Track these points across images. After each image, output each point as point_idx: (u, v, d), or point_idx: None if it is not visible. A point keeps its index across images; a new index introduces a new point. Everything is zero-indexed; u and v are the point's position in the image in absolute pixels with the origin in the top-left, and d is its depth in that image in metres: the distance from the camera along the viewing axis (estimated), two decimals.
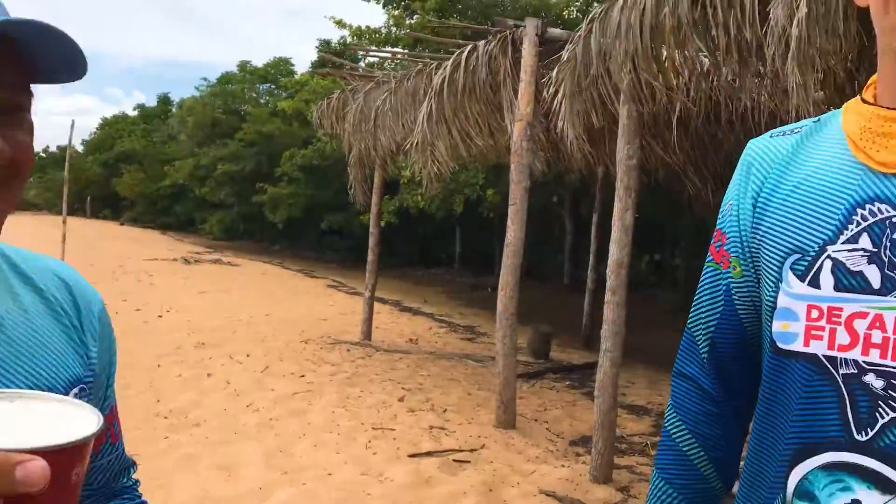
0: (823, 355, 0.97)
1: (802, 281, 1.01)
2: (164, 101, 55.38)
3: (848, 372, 0.95)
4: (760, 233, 1.09)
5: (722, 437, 1.18)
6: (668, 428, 1.22)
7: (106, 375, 0.99)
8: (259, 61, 48.93)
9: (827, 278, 0.99)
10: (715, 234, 1.20)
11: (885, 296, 0.95)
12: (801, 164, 1.09)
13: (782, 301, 1.03)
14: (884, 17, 0.97)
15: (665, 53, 4.71)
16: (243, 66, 37.04)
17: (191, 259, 21.62)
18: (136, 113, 58.13)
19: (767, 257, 1.07)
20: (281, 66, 35.96)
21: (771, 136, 1.17)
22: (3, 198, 0.79)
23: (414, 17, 16.74)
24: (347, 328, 10.72)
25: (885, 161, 1.00)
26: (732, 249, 1.15)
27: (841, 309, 0.97)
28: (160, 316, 10.90)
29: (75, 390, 0.87)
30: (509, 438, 5.77)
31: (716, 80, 5.53)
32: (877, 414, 0.93)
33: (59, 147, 72.10)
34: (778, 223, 1.07)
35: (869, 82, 1.11)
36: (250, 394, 6.68)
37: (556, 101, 4.86)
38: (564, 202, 18.45)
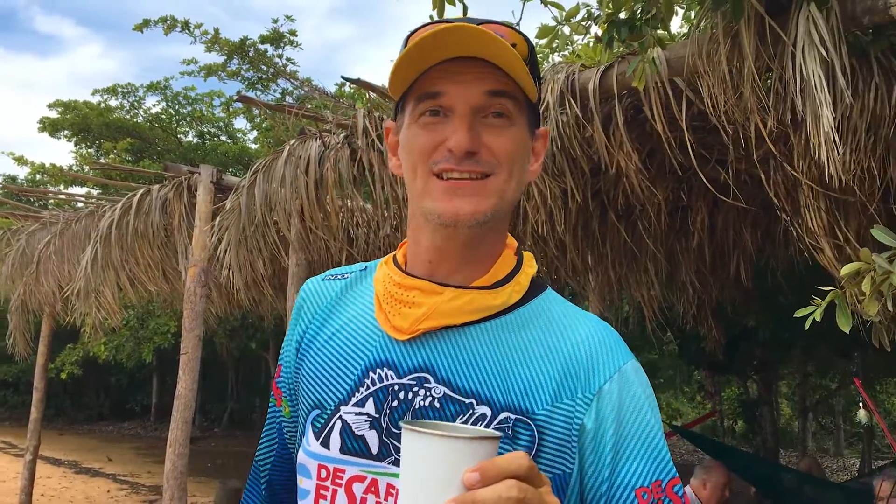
0: None
1: (317, 439, 1.02)
2: None
3: None
4: (299, 378, 1.10)
5: None
6: None
7: None
8: None
9: (336, 439, 1.00)
10: (277, 368, 1.18)
11: (381, 461, 0.97)
12: (340, 313, 1.10)
13: (301, 457, 1.04)
14: (412, 182, 1.03)
15: (329, 205, 4.87)
16: None
17: None
18: None
19: (301, 406, 1.07)
20: None
21: (323, 279, 1.18)
22: None
23: (104, 158, 16.04)
24: (3, 499, 9.29)
25: (399, 326, 1.02)
26: (284, 387, 1.15)
27: (344, 471, 0.98)
28: None
29: None
30: None
31: (382, 231, 5.79)
32: None
33: None
34: (310, 373, 1.07)
35: (403, 241, 1.14)
36: None
37: (219, 249, 4.77)
38: (269, 346, 18.08)
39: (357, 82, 3.96)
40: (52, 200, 17.55)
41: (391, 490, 0.96)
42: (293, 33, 14.32)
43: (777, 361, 11.69)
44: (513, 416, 0.96)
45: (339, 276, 1.16)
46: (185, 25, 13.41)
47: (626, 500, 0.95)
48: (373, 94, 4.23)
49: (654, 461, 0.98)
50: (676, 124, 3.37)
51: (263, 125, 14.05)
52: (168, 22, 13.42)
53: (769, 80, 3.01)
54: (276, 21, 14.27)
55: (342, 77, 4.14)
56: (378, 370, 1.02)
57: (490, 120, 0.97)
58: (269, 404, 1.20)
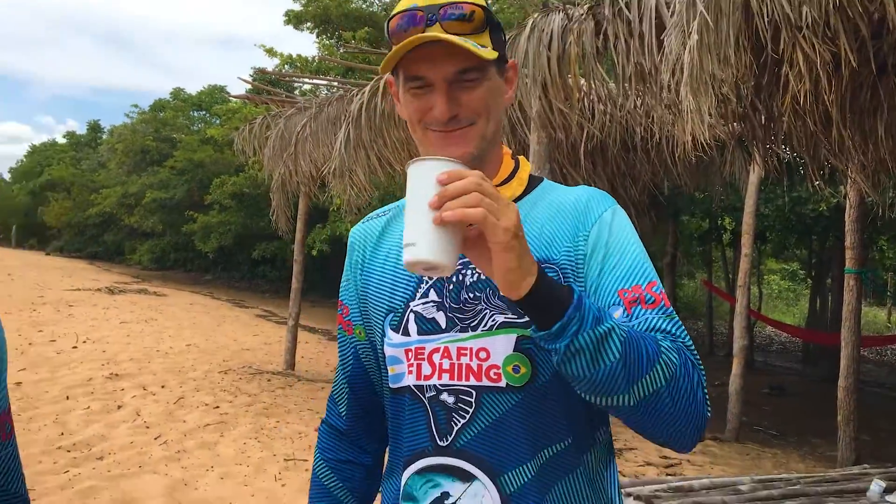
0: (415, 385, 1.26)
1: (397, 332, 1.30)
2: (95, 128, 54.12)
3: (431, 395, 1.24)
4: (366, 299, 1.38)
5: (352, 463, 1.44)
6: (315, 470, 1.46)
7: None
8: (194, 89, 48.35)
9: (413, 327, 1.28)
10: (339, 304, 1.48)
11: (450, 332, 1.25)
12: (386, 240, 1.39)
13: (388, 351, 1.32)
14: (414, 133, 1.29)
15: (571, 81, 4.79)
16: (177, 93, 36.53)
17: (115, 289, 20.99)
18: (65, 141, 56.74)
19: (374, 318, 1.36)
20: (216, 94, 35.50)
21: (365, 222, 1.47)
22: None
23: (342, 48, 16.75)
24: (271, 358, 10.51)
25: None
26: (354, 318, 1.43)
27: (424, 348, 1.26)
28: (75, 347, 10.49)
29: None
30: None
31: (624, 109, 5.62)
32: (452, 423, 1.22)
33: None
34: (375, 290, 1.36)
35: None
36: (160, 426, 6.46)
37: None
38: None
39: None
40: (299, 87, 18.75)
41: (462, 351, 1.23)
42: None
43: None
44: (542, 265, 1.16)
45: (382, 215, 1.44)
46: None
47: (610, 299, 1.19)
48: None
49: (633, 270, 1.21)
50: None
51: (494, 6, 13.93)
52: None
53: None
54: None
55: None
56: None
57: (464, 83, 1.21)
58: (339, 337, 1.47)
